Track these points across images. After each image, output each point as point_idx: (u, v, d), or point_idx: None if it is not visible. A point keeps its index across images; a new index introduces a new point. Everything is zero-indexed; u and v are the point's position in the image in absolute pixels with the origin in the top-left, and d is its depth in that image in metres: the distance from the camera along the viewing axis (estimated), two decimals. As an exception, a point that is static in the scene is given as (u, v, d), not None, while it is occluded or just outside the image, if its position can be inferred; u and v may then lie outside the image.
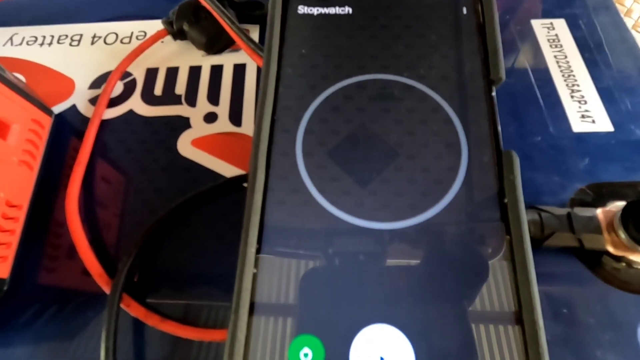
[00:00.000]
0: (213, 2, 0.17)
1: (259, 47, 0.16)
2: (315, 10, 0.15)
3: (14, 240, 0.13)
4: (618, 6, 0.35)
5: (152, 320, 0.12)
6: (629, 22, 0.33)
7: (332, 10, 0.15)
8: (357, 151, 0.12)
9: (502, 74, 0.12)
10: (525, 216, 0.10)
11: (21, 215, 0.14)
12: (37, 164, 0.15)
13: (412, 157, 0.12)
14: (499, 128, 0.12)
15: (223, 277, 0.13)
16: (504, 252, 0.10)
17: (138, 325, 0.12)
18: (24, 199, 0.14)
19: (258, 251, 0.10)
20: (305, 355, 0.10)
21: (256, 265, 0.10)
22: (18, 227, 0.13)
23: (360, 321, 0.10)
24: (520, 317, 0.09)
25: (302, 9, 0.15)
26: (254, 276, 0.10)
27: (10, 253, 0.13)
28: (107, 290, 0.13)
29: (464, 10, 0.14)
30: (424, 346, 0.10)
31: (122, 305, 0.12)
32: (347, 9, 0.15)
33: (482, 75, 0.13)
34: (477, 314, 0.10)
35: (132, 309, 0.12)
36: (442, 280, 0.10)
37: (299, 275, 0.10)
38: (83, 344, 0.13)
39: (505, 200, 0.11)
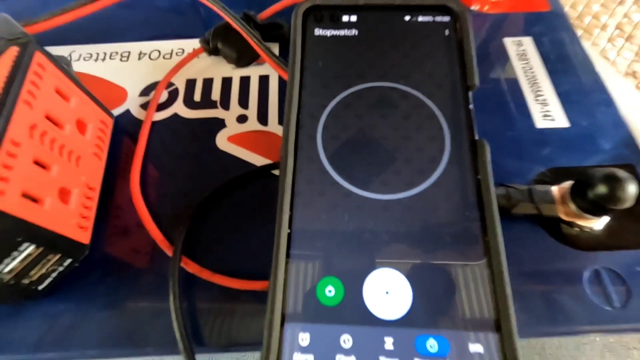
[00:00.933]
0: (242, 25, 0.21)
1: (282, 61, 0.20)
2: (328, 32, 0.18)
3: (92, 215, 0.17)
4: (577, 23, 0.39)
5: (205, 274, 0.16)
6: (587, 40, 0.37)
7: (341, 32, 0.18)
8: (364, 140, 0.15)
9: (476, 81, 0.16)
10: (493, 187, 0.14)
11: (95, 195, 0.17)
12: (104, 156, 0.18)
13: (407, 145, 0.15)
14: (474, 123, 0.16)
15: (259, 240, 0.16)
16: (478, 216, 0.14)
17: (193, 280, 0.16)
18: (97, 183, 0.17)
19: (290, 216, 0.14)
20: (330, 291, 0.13)
21: (290, 226, 0.14)
22: (94, 205, 0.17)
23: (369, 266, 0.13)
24: (490, 261, 0.13)
25: (318, 32, 0.19)
26: (288, 235, 0.14)
27: (90, 224, 0.16)
28: (169, 252, 0.16)
29: (446, 32, 0.18)
30: (418, 283, 0.13)
31: (181, 264, 0.16)
32: (354, 31, 0.18)
33: (460, 83, 0.17)
34: (456, 258, 0.13)
35: (189, 266, 0.16)
36: (432, 236, 0.14)
37: (322, 233, 0.14)
38: (149, 298, 0.16)
39: (479, 177, 0.14)
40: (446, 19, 0.19)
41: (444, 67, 0.17)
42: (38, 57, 0.15)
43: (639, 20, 0.37)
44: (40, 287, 0.15)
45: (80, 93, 0.17)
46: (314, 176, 0.15)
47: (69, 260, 0.15)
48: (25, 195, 0.13)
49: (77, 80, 0.17)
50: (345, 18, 0.19)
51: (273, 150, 0.19)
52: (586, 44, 0.23)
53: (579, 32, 0.24)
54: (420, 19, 0.19)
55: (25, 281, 0.14)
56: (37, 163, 0.14)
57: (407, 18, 0.19)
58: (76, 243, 0.15)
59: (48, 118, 0.15)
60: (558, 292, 0.15)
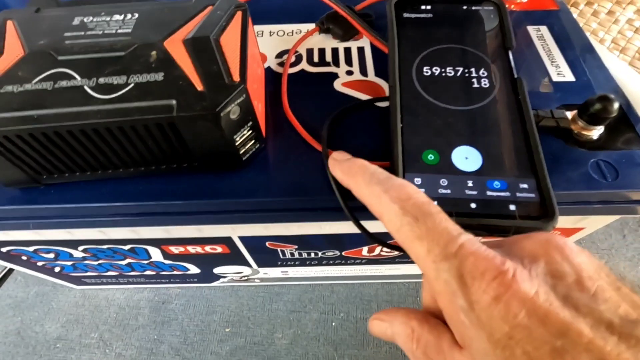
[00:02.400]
0: (351, 13, 0.30)
1: (379, 36, 0.30)
2: (413, 15, 0.28)
3: (263, 125, 0.26)
4: (579, 19, 0.50)
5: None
6: (586, 26, 0.50)
7: (421, 15, 0.28)
8: (441, 77, 0.25)
9: (513, 43, 0.25)
10: (529, 103, 0.23)
11: (262, 114, 0.26)
12: (263, 90, 0.27)
13: (471, 80, 0.24)
14: (514, 68, 0.25)
15: (373, 138, 0.25)
16: (519, 118, 0.23)
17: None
18: (263, 105, 0.27)
19: (401, 120, 0.23)
20: (430, 157, 0.22)
21: (401, 122, 0.23)
22: (262, 120, 0.26)
23: (454, 143, 0.22)
24: (528, 141, 0.22)
25: (406, 15, 0.28)
26: (401, 128, 0.23)
27: (264, 126, 0.25)
28: (316, 146, 0.25)
29: (492, 15, 0.28)
30: (486, 154, 0.22)
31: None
32: (430, 15, 0.28)
33: (502, 45, 0.26)
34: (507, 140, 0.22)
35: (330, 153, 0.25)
36: (491, 127, 0.22)
37: (421, 126, 0.23)
38: (302, 176, 0.25)
39: (519, 97, 0.23)
40: (491, 7, 0.28)
41: (492, 36, 0.27)
42: (249, 19, 0.24)
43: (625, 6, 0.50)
44: (244, 158, 0.24)
45: (257, 46, 0.27)
46: (411, 95, 0.24)
47: (257, 145, 0.24)
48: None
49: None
50: (422, 7, 0.29)
51: (374, 91, 0.28)
52: (585, 29, 0.32)
53: (580, 22, 0.34)
54: (473, 7, 0.28)
55: (241, 150, 0.23)
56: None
57: (464, 7, 0.28)
58: (261, 133, 0.24)
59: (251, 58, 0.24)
60: (571, 175, 0.24)
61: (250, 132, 0.23)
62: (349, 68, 0.30)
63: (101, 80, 0.20)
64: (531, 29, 0.32)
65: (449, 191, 0.21)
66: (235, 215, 0.25)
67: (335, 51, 0.31)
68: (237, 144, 0.22)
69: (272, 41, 0.32)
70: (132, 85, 0.20)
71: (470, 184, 0.21)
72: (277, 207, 0.25)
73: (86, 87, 0.20)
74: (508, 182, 0.21)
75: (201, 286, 0.47)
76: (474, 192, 0.21)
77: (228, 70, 0.21)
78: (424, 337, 0.15)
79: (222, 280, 0.44)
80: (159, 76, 0.20)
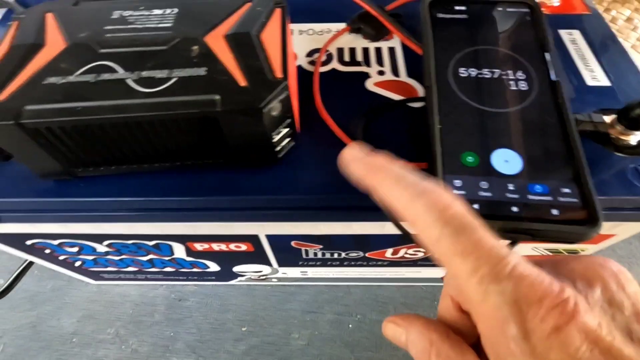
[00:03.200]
0: (382, 13, 0.30)
1: (411, 36, 0.29)
2: (447, 15, 0.28)
3: (297, 123, 0.25)
4: (610, 24, 0.50)
5: None
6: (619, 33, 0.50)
7: (456, 16, 0.28)
8: (477, 79, 0.24)
9: (549, 47, 0.25)
10: (569, 106, 0.23)
11: (297, 111, 0.26)
12: (297, 87, 0.27)
13: (509, 82, 0.24)
14: (551, 71, 0.24)
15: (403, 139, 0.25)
16: (558, 121, 0.22)
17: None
18: (297, 103, 0.26)
19: (440, 121, 0.23)
20: (469, 159, 0.22)
21: (440, 124, 0.23)
22: (297, 117, 0.26)
23: (493, 145, 0.22)
24: (570, 145, 0.21)
25: (440, 15, 0.28)
26: (440, 129, 0.23)
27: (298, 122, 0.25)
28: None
29: (527, 18, 0.27)
30: (526, 158, 0.21)
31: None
32: (465, 15, 0.28)
33: (540, 48, 0.26)
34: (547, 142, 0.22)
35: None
36: (530, 131, 0.22)
37: (459, 127, 0.22)
38: (335, 174, 0.24)
39: (559, 100, 0.23)
40: (526, 9, 0.28)
41: (528, 38, 0.26)
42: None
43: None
44: (279, 155, 0.24)
45: (292, 44, 0.27)
46: (448, 96, 0.24)
47: (292, 142, 0.24)
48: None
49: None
50: (457, 7, 0.28)
51: (406, 91, 0.28)
52: (617, 35, 0.32)
53: (613, 27, 0.34)
54: (508, 9, 0.28)
55: (277, 147, 0.23)
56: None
57: (499, 8, 0.28)
58: (295, 131, 0.24)
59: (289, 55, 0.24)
60: (609, 180, 0.24)
61: (287, 129, 0.23)
62: (380, 68, 0.30)
63: (144, 73, 0.20)
64: (563, 33, 0.32)
65: (489, 194, 0.21)
66: (268, 212, 0.25)
67: (366, 51, 0.31)
68: (274, 140, 0.22)
69: (302, 40, 0.32)
70: (175, 79, 0.20)
71: (511, 187, 0.21)
72: (309, 205, 0.25)
73: (129, 81, 0.20)
74: (550, 186, 0.21)
75: (217, 284, 0.47)
76: (516, 196, 0.21)
77: (270, 66, 0.21)
78: (445, 353, 0.14)
79: (239, 279, 0.44)
80: (202, 71, 0.20)
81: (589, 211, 0.20)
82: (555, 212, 0.20)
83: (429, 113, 0.24)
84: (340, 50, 0.31)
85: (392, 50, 0.31)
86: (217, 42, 0.21)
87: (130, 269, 0.41)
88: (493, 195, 0.21)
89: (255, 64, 0.20)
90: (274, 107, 0.20)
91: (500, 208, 0.20)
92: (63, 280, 0.48)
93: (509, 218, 0.20)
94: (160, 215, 0.25)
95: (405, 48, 0.31)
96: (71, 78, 0.20)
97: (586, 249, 0.33)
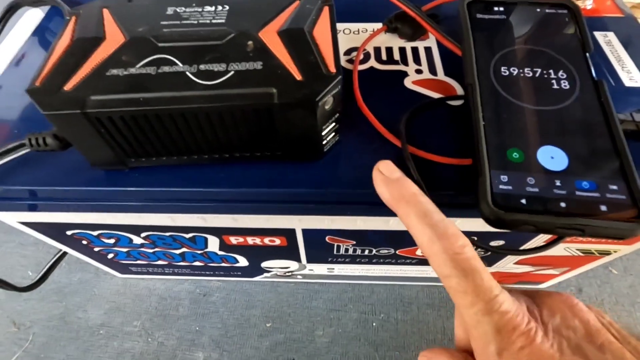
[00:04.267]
0: (420, 13, 0.31)
1: (449, 37, 0.30)
2: (486, 16, 0.28)
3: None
4: None
5: (423, 154, 0.25)
6: None
7: (495, 16, 0.28)
8: (519, 78, 0.25)
9: (591, 46, 0.25)
10: (612, 104, 0.23)
11: (338, 107, 0.27)
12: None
13: (550, 81, 0.24)
14: (592, 70, 0.25)
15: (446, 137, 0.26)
16: (603, 119, 0.23)
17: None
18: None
19: (483, 118, 0.23)
20: (515, 155, 0.22)
21: (483, 120, 0.23)
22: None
23: (538, 143, 0.22)
24: (614, 139, 0.22)
25: (479, 15, 0.28)
26: (484, 126, 0.23)
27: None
28: (392, 140, 0.25)
29: (566, 19, 0.28)
30: (572, 155, 0.22)
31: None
32: (503, 16, 0.28)
33: (581, 48, 0.26)
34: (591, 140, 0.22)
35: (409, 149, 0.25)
36: (574, 128, 0.22)
37: (502, 124, 0.23)
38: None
39: (602, 99, 0.23)
40: (565, 10, 0.28)
41: (568, 39, 0.27)
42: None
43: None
44: (325, 149, 0.24)
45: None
46: (491, 94, 0.24)
47: (337, 137, 0.25)
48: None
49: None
50: (495, 8, 0.29)
51: (445, 89, 0.28)
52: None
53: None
54: (547, 10, 0.28)
55: (324, 140, 0.23)
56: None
57: (538, 10, 0.28)
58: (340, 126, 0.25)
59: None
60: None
61: (334, 124, 0.23)
62: (417, 67, 0.30)
63: (202, 67, 0.21)
64: (598, 35, 0.32)
65: (536, 189, 0.21)
66: (310, 205, 0.25)
67: (402, 50, 0.31)
68: (323, 134, 0.23)
69: (341, 39, 0.32)
70: (232, 72, 0.21)
71: (558, 183, 0.21)
72: (350, 199, 0.25)
73: (188, 73, 0.21)
74: (597, 182, 0.21)
75: (241, 280, 0.47)
76: (563, 192, 0.21)
77: (324, 61, 0.21)
78: None
79: (264, 275, 0.44)
80: (258, 65, 0.21)
81: (638, 208, 0.20)
82: (603, 208, 0.20)
83: (473, 110, 0.24)
84: (377, 50, 0.32)
85: (428, 50, 0.31)
86: (271, 37, 0.22)
87: (159, 262, 0.41)
88: (540, 191, 0.21)
89: (310, 59, 0.21)
90: (327, 101, 0.21)
91: (549, 204, 0.21)
92: (90, 273, 0.49)
93: (558, 214, 0.20)
94: (206, 206, 0.26)
95: (441, 47, 0.32)
96: (133, 70, 0.21)
97: (619, 249, 0.33)
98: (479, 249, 0.36)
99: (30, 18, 0.36)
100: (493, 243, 0.33)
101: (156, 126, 0.21)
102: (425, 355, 0.20)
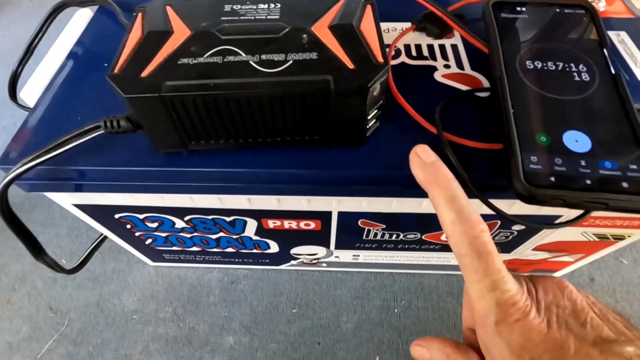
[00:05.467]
0: (446, 13, 0.33)
1: (474, 34, 0.32)
2: (510, 15, 0.31)
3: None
4: None
5: (460, 140, 0.27)
6: None
7: (517, 15, 0.31)
8: (543, 71, 0.27)
9: (608, 42, 0.28)
10: (631, 97, 0.25)
11: (376, 97, 0.29)
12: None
13: (572, 73, 0.27)
14: (610, 64, 0.27)
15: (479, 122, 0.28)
16: (621, 108, 0.25)
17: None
18: (375, 91, 0.29)
19: (512, 106, 0.25)
20: (542, 139, 0.24)
21: (512, 108, 0.25)
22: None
23: (563, 128, 0.24)
24: (632, 123, 0.24)
25: (504, 14, 0.31)
26: (513, 113, 0.25)
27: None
28: (429, 127, 0.27)
29: (584, 18, 0.30)
30: (594, 138, 0.24)
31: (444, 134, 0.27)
32: (525, 15, 0.31)
33: (598, 43, 0.28)
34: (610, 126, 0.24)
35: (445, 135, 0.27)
36: (594, 115, 0.25)
37: (529, 111, 0.25)
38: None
39: (620, 90, 0.26)
40: (582, 10, 0.31)
41: (587, 36, 0.29)
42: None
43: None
44: (368, 134, 0.26)
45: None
46: (518, 85, 0.27)
47: (378, 124, 0.27)
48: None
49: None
50: (518, 8, 0.31)
51: (472, 82, 0.31)
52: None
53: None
54: (566, 10, 0.31)
55: (367, 126, 0.26)
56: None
57: (557, 10, 0.31)
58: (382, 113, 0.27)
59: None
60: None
61: (377, 111, 0.26)
62: (445, 62, 0.33)
63: (263, 56, 0.23)
64: (612, 34, 0.35)
65: (564, 169, 0.23)
66: (350, 187, 0.27)
67: (430, 47, 0.34)
68: (368, 118, 0.25)
69: (370, 37, 0.35)
70: (290, 62, 0.23)
71: (583, 163, 0.24)
72: (388, 180, 0.27)
73: (251, 62, 0.23)
74: (618, 162, 0.23)
75: (267, 269, 0.49)
76: (588, 171, 0.23)
77: (372, 52, 0.24)
78: (457, 358, 0.21)
79: (291, 262, 0.46)
80: (314, 55, 0.23)
81: (655, 183, 0.23)
82: (625, 184, 0.23)
83: (502, 100, 0.26)
84: (407, 47, 0.34)
85: (454, 47, 0.34)
86: (323, 31, 0.24)
87: (193, 248, 0.43)
88: (567, 170, 0.23)
89: (359, 50, 0.23)
90: (376, 88, 0.23)
91: (576, 181, 0.23)
92: (123, 262, 0.51)
93: (584, 189, 0.23)
94: (255, 187, 0.28)
95: (466, 44, 0.34)
96: (201, 59, 0.23)
97: (633, 234, 0.35)
98: (500, 233, 0.38)
99: (80, 17, 0.38)
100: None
101: (222, 110, 0.23)
102: (419, 344, 0.23)
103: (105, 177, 0.28)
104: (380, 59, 0.23)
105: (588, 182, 0.23)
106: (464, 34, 0.33)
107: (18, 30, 0.86)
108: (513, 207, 0.30)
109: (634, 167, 0.23)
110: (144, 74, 0.23)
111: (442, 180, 0.22)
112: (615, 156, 0.24)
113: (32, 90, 0.32)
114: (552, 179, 0.23)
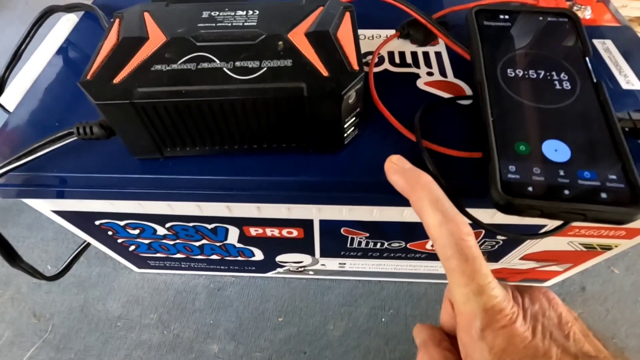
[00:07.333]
0: (430, 21, 0.33)
1: (457, 42, 0.32)
2: (492, 23, 0.31)
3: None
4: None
5: (436, 148, 0.27)
6: None
7: (500, 23, 0.31)
8: (523, 79, 0.27)
9: (590, 51, 0.28)
10: (611, 106, 0.25)
11: (356, 104, 0.29)
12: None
13: (552, 82, 0.26)
14: (592, 73, 0.27)
15: (456, 129, 0.28)
16: (602, 116, 0.25)
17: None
18: (356, 98, 0.29)
19: (492, 114, 0.25)
20: (522, 148, 0.24)
21: (492, 116, 0.25)
22: (357, 108, 0.28)
23: (543, 137, 0.24)
24: (613, 133, 0.24)
25: (486, 23, 0.31)
26: (492, 122, 0.25)
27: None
28: (407, 134, 0.27)
29: (567, 26, 0.30)
30: (574, 148, 0.24)
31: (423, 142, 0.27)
32: (508, 23, 0.31)
33: (580, 52, 0.28)
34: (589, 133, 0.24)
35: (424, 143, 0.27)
36: (573, 124, 0.25)
37: (509, 119, 0.25)
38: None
39: (601, 99, 0.26)
40: (565, 19, 0.31)
41: (569, 44, 0.29)
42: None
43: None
44: (345, 142, 0.26)
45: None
46: (498, 93, 0.26)
47: (356, 131, 0.27)
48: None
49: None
50: (501, 16, 0.31)
51: (454, 90, 0.31)
52: (650, 44, 0.35)
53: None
54: (549, 18, 0.31)
55: (345, 134, 0.26)
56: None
57: (540, 18, 0.31)
58: (360, 121, 0.27)
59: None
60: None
61: (354, 118, 0.25)
62: (429, 69, 0.32)
63: (237, 63, 0.23)
64: (597, 42, 0.35)
65: (542, 178, 0.23)
66: (331, 194, 0.27)
67: (414, 54, 0.34)
68: (345, 126, 0.25)
69: (354, 43, 0.35)
70: (265, 68, 0.23)
71: (561, 173, 0.23)
72: (368, 188, 0.27)
73: (225, 69, 0.23)
74: (597, 172, 0.23)
75: (254, 276, 0.49)
76: (566, 180, 0.23)
77: (348, 59, 0.23)
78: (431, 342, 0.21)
79: (277, 270, 0.46)
80: (288, 62, 0.23)
81: (634, 194, 0.22)
82: (603, 195, 0.22)
83: (482, 107, 0.26)
84: (391, 54, 0.34)
85: (438, 54, 0.34)
86: (299, 38, 0.24)
87: (177, 255, 0.43)
88: (545, 180, 0.23)
89: (335, 57, 0.23)
90: (351, 95, 0.23)
91: (554, 191, 0.23)
92: (109, 267, 0.50)
93: (562, 200, 0.22)
94: (233, 195, 0.27)
95: (450, 52, 0.34)
96: (175, 66, 0.23)
97: (620, 244, 0.35)
98: (486, 242, 0.38)
99: (66, 22, 0.38)
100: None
101: (195, 116, 0.23)
102: (417, 327, 0.23)
103: (81, 184, 0.27)
104: (356, 67, 0.23)
105: (566, 192, 0.23)
106: (447, 41, 0.33)
107: (12, 33, 0.87)
108: (495, 216, 0.30)
109: (613, 177, 0.23)
110: (116, 80, 0.22)
111: (423, 184, 0.21)
112: (595, 166, 0.23)
113: (13, 95, 0.32)
114: (530, 188, 0.23)
